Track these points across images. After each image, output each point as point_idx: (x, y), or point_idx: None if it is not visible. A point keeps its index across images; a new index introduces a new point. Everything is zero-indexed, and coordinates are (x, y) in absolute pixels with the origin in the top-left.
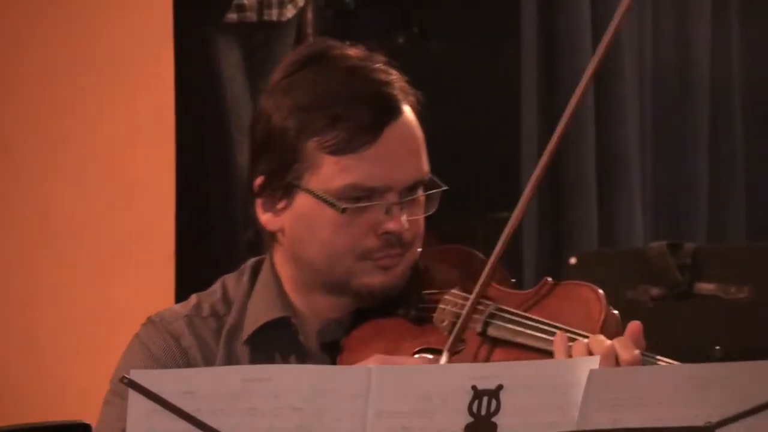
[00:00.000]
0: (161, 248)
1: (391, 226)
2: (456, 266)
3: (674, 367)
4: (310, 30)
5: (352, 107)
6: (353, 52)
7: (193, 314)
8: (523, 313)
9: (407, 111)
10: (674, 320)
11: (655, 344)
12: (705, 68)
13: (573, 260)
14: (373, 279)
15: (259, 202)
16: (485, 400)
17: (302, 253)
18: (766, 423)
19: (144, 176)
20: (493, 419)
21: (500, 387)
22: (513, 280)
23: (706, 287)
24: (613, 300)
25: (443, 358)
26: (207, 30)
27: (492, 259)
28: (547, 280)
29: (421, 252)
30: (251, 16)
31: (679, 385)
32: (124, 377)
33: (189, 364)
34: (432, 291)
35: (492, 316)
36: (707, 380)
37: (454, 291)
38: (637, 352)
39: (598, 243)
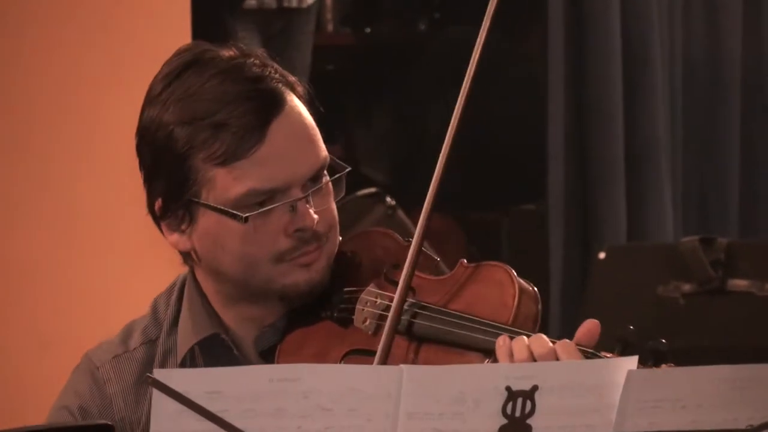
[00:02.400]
0: None
1: (300, 223)
2: (377, 254)
3: (713, 368)
4: (329, 16)
5: (232, 112)
6: (226, 53)
7: (122, 352)
8: (445, 309)
9: (291, 100)
10: (706, 317)
11: (686, 341)
12: (737, 61)
13: (602, 255)
14: (297, 278)
15: (163, 224)
16: (519, 401)
17: (218, 268)
18: None
19: None
20: (528, 421)
21: (535, 388)
22: (437, 259)
23: (739, 283)
24: (644, 296)
25: (375, 360)
26: (225, 17)
27: (409, 258)
28: (462, 262)
29: (341, 241)
30: (270, 2)
31: (718, 387)
32: (148, 376)
33: (112, 410)
34: (351, 289)
35: (414, 315)
36: (747, 382)
37: (370, 289)
38: (574, 350)
39: (627, 237)
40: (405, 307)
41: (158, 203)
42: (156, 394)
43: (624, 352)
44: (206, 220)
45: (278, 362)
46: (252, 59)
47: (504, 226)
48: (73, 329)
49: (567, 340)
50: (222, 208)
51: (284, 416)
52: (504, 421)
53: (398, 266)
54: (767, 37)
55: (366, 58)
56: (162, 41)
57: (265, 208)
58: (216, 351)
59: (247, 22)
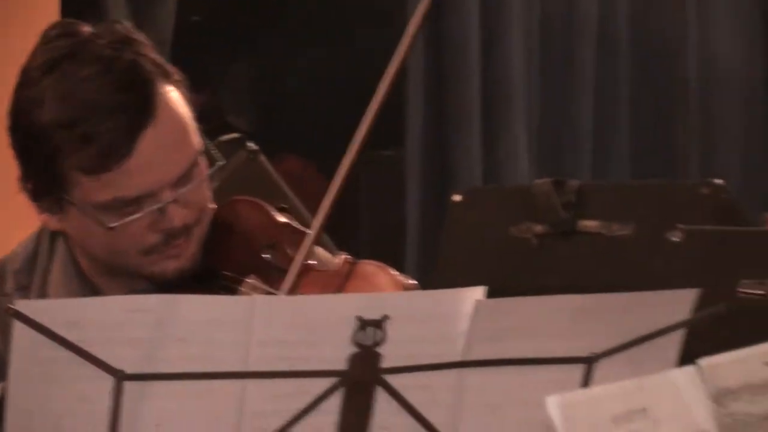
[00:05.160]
0: None
1: (168, 224)
2: (250, 228)
3: (558, 298)
4: None
5: (101, 123)
6: (101, 41)
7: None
8: None
9: (165, 101)
10: (558, 257)
11: (539, 280)
12: (593, 13)
13: (457, 197)
14: (165, 266)
15: (35, 204)
16: (370, 330)
17: (87, 249)
18: (646, 353)
19: None
20: (377, 349)
21: (385, 317)
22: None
23: (589, 224)
24: (497, 237)
25: None
26: None
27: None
28: (346, 258)
29: (213, 216)
30: None
31: (562, 317)
32: (9, 307)
33: None
34: (230, 275)
35: None
36: (589, 311)
37: (252, 282)
38: None
39: (482, 181)
40: None
41: (29, 186)
42: (17, 325)
43: None
44: (75, 215)
45: None
46: (126, 49)
47: (362, 171)
48: None
49: None
50: (90, 211)
51: (140, 346)
52: (355, 349)
53: (273, 246)
54: None
55: (231, 9)
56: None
57: (130, 218)
58: None
59: None
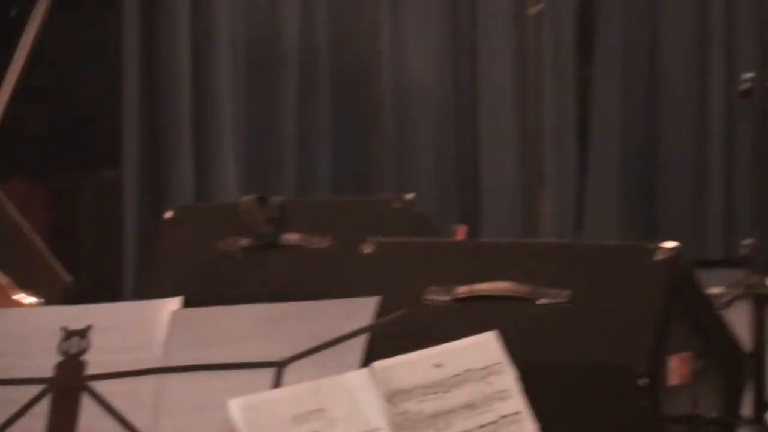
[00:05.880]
0: None
1: None
2: None
3: (249, 307)
4: None
5: None
6: None
7: None
8: None
9: None
10: (262, 268)
11: (245, 290)
12: (295, 39)
13: (168, 214)
14: None
15: None
16: (74, 339)
17: None
18: (332, 357)
19: None
20: (82, 357)
21: (89, 327)
22: None
23: (291, 237)
24: (206, 251)
25: None
26: None
27: None
28: None
29: None
30: None
31: (255, 324)
32: None
33: None
34: None
35: None
36: (278, 319)
37: None
38: None
39: (195, 199)
40: None
41: None
42: None
43: None
44: None
45: None
46: None
47: (80, 192)
48: None
49: None
50: None
51: None
52: (60, 357)
53: None
54: (321, 18)
55: None
56: None
57: None
58: None
59: None
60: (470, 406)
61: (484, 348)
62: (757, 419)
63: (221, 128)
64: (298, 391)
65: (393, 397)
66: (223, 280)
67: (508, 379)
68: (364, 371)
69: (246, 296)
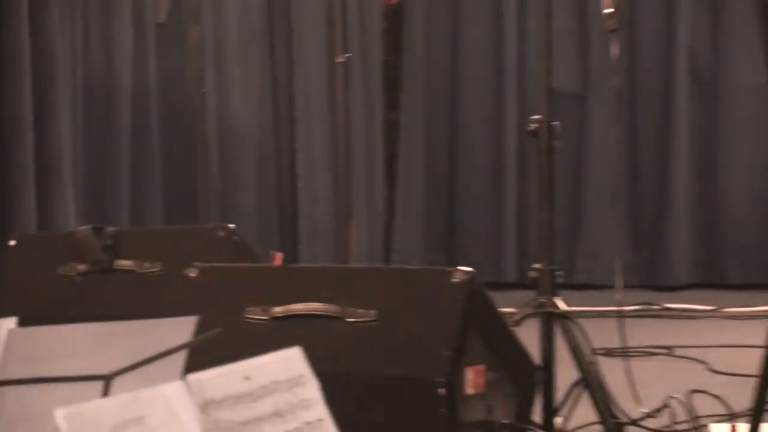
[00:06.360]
0: None
1: None
2: None
3: (82, 325)
4: None
5: None
6: None
7: None
8: None
9: None
10: (98, 292)
11: (81, 312)
12: (127, 81)
13: (12, 242)
14: None
15: None
16: None
17: None
18: (157, 371)
19: None
20: None
21: None
22: None
23: (124, 263)
24: (46, 276)
25: None
26: None
27: None
28: None
29: None
30: None
31: (85, 341)
32: None
33: None
34: None
35: None
36: (110, 336)
37: None
38: None
39: (37, 228)
40: None
41: None
42: None
43: None
44: None
45: None
46: None
47: None
48: None
49: None
50: None
51: None
52: None
53: None
54: (153, 65)
55: None
56: None
57: None
58: None
59: None
60: (277, 414)
61: (289, 362)
62: (546, 425)
63: (62, 165)
64: (120, 401)
65: (206, 406)
66: (63, 302)
67: (311, 390)
68: (180, 383)
69: (83, 317)
